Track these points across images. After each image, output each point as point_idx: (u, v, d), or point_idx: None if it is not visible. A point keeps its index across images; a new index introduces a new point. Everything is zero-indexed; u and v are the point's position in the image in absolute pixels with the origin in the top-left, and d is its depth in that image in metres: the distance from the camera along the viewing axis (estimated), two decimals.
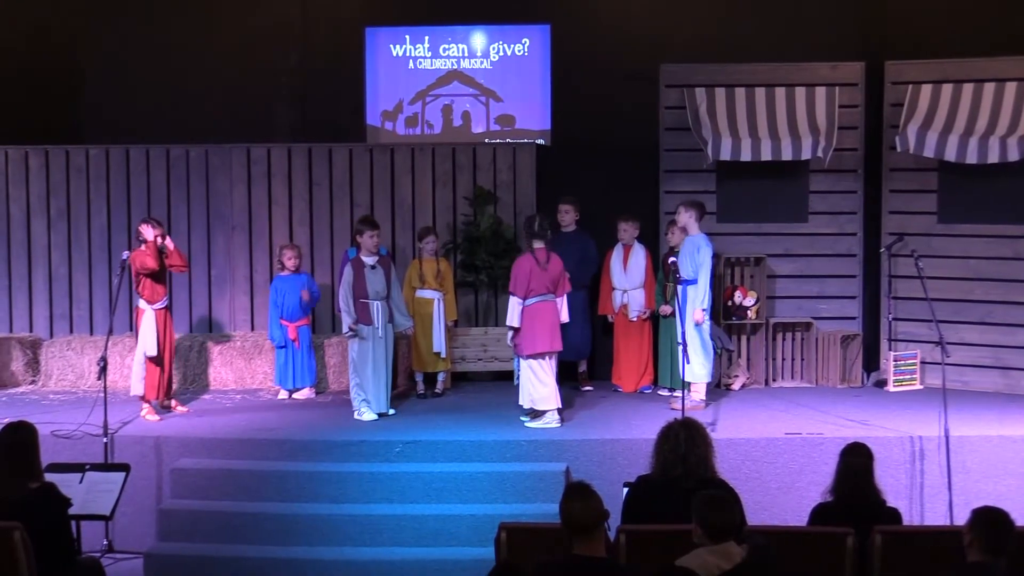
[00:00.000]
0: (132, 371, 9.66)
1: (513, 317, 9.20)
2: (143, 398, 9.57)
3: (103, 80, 12.30)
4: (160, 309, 9.64)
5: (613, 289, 10.78)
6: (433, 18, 12.14)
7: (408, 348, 10.64)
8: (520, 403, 9.32)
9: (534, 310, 9.18)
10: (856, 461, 6.23)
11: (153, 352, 9.56)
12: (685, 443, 6.05)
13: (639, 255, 10.72)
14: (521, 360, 9.27)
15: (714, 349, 9.88)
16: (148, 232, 9.58)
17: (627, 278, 10.70)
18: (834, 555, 5.84)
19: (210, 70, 12.10)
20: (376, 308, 9.52)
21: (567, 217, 10.75)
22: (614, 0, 11.93)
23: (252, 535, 8.16)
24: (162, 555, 8.07)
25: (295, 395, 10.45)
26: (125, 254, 9.58)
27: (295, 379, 10.46)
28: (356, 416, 9.51)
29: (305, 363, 10.51)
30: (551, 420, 9.20)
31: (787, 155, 10.72)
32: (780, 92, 11.01)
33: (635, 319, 10.67)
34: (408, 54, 12.24)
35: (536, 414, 9.27)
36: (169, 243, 9.67)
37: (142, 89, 12.11)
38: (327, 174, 11.40)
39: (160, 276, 9.65)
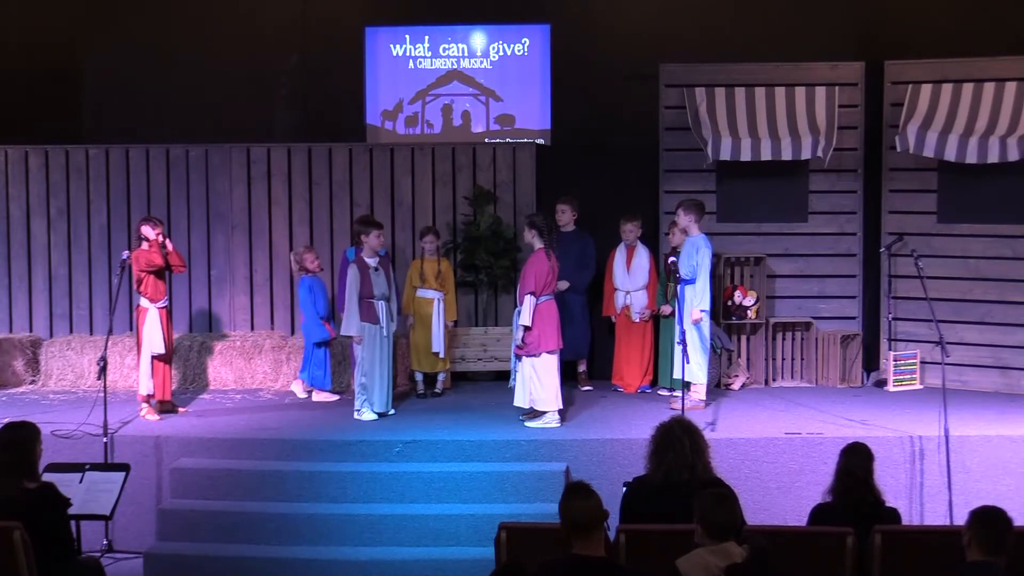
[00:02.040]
0: (140, 371, 9.62)
1: (528, 316, 9.15)
2: (149, 398, 9.56)
3: (103, 80, 12.31)
4: (163, 308, 9.65)
5: (615, 290, 10.77)
6: (433, 18, 12.15)
7: (407, 348, 10.64)
8: (517, 404, 9.30)
9: (543, 309, 9.19)
10: (856, 461, 6.23)
11: (161, 350, 9.56)
12: (691, 452, 6.06)
13: (642, 256, 10.71)
14: (525, 359, 9.26)
15: (713, 349, 9.87)
16: (150, 232, 9.58)
17: (630, 279, 10.69)
18: (834, 555, 5.84)
19: (210, 70, 12.10)
20: (381, 308, 9.54)
21: (564, 217, 10.74)
22: (614, 0, 11.93)
23: (252, 535, 8.16)
24: (162, 555, 8.07)
25: (314, 396, 10.41)
26: (125, 254, 9.57)
27: (327, 379, 10.44)
28: (356, 416, 9.50)
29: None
30: (551, 420, 9.20)
31: (787, 155, 10.72)
32: (780, 92, 11.01)
33: (638, 320, 10.66)
34: (408, 54, 12.24)
35: (536, 414, 9.27)
36: (168, 243, 9.68)
37: (142, 89, 12.11)
38: (327, 174, 11.40)
39: (162, 275, 9.66)
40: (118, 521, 8.26)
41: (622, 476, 7.98)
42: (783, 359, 11.14)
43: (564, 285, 10.27)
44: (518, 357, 9.28)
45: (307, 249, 10.61)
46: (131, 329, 10.84)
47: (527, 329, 9.15)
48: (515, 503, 8.34)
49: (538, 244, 9.27)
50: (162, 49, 12.13)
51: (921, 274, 9.52)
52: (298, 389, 10.48)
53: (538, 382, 9.18)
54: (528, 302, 9.14)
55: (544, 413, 9.22)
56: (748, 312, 10.91)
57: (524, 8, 12.04)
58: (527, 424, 9.23)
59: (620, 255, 10.74)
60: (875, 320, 11.17)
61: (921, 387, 10.62)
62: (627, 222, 10.69)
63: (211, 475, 8.58)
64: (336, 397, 10.36)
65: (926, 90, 10.71)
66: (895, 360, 10.65)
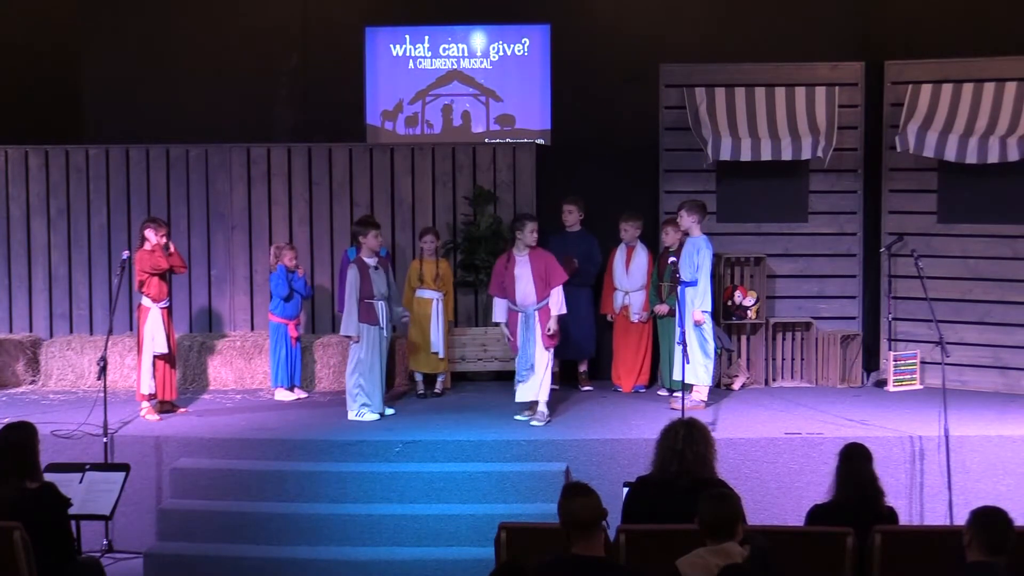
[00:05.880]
0: (140, 370, 9.61)
1: (564, 305, 9.32)
2: (151, 397, 9.55)
3: (103, 80, 12.30)
4: (165, 308, 9.65)
5: (615, 290, 10.78)
6: (433, 18, 12.14)
7: (407, 348, 10.64)
8: (538, 398, 9.33)
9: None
10: (862, 465, 6.19)
11: (164, 349, 9.55)
12: (683, 440, 6.07)
13: (641, 256, 10.71)
14: (545, 353, 9.29)
15: (715, 350, 9.87)
16: (152, 235, 9.58)
17: (629, 279, 10.69)
18: (834, 555, 5.84)
19: (210, 70, 12.10)
20: (381, 308, 9.53)
21: (571, 217, 10.76)
22: (614, 0, 11.93)
23: (252, 535, 8.16)
24: (162, 555, 8.07)
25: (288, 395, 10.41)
26: (125, 254, 9.57)
27: (292, 377, 10.43)
28: (353, 416, 9.47)
29: (299, 362, 10.52)
30: (546, 411, 9.33)
31: (787, 155, 10.71)
32: (780, 92, 11.01)
33: (636, 321, 10.66)
34: (408, 54, 12.24)
35: (533, 409, 9.32)
36: (171, 245, 9.70)
37: (142, 89, 12.11)
38: (327, 174, 11.40)
39: (165, 276, 9.67)
40: (118, 521, 8.27)
41: (622, 476, 7.99)
42: (783, 359, 11.14)
43: (572, 264, 10.48)
44: (547, 348, 9.32)
45: (289, 246, 10.57)
46: (131, 329, 10.84)
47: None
48: (515, 503, 8.35)
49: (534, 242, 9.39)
50: (162, 49, 12.13)
51: (921, 274, 9.52)
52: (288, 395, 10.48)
53: (548, 375, 9.30)
54: (561, 292, 9.27)
55: (538, 406, 9.33)
56: (748, 312, 10.90)
57: (524, 8, 12.04)
58: (532, 423, 9.26)
59: (620, 255, 10.75)
60: (875, 320, 11.17)
61: (921, 387, 10.61)
62: (626, 222, 10.69)
63: (211, 475, 8.59)
64: (292, 396, 10.35)
65: (926, 90, 10.70)
66: (895, 360, 10.64)
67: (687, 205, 9.87)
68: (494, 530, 6.10)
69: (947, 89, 10.64)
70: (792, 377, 11.10)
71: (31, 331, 11.37)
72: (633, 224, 10.70)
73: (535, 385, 9.31)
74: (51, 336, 11.29)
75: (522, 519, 7.50)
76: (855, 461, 6.23)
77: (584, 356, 10.90)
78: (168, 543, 8.23)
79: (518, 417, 9.42)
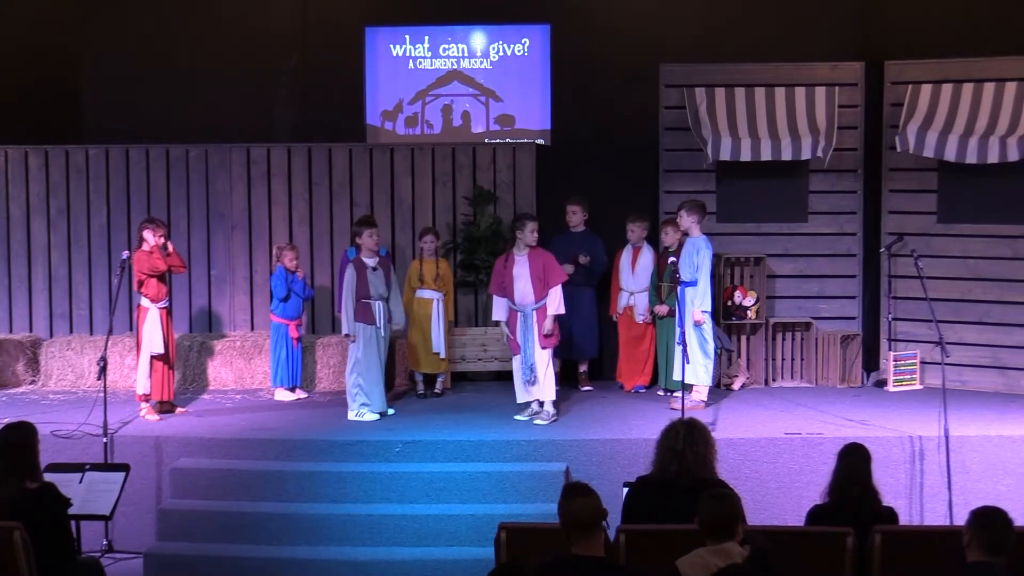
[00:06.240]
0: (138, 370, 9.63)
1: (563, 305, 9.35)
2: (148, 397, 9.56)
3: (103, 80, 12.31)
4: (163, 308, 9.66)
5: (620, 290, 10.78)
6: (433, 18, 12.15)
7: (407, 348, 10.64)
8: (542, 399, 9.34)
9: None
10: (855, 464, 6.22)
11: (160, 349, 9.56)
12: (684, 440, 6.08)
13: (647, 257, 10.70)
14: (544, 352, 9.30)
15: (715, 350, 9.87)
16: (150, 236, 9.58)
17: (634, 280, 10.69)
18: (834, 555, 5.84)
19: (210, 70, 12.11)
20: (378, 308, 9.53)
21: (575, 217, 10.77)
22: (614, 0, 11.94)
23: (252, 535, 8.17)
24: (162, 555, 8.07)
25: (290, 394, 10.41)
26: (125, 254, 9.58)
27: (293, 378, 10.43)
28: (353, 416, 9.48)
29: (299, 362, 10.53)
30: (552, 410, 9.32)
31: (787, 155, 10.71)
32: (780, 92, 11.01)
33: (641, 321, 10.66)
34: (408, 54, 12.24)
35: (536, 410, 9.33)
36: (170, 245, 9.70)
37: (142, 89, 12.12)
38: (327, 174, 11.40)
39: (164, 277, 9.67)
40: (118, 521, 8.27)
41: (622, 476, 7.99)
42: (783, 359, 11.13)
43: (585, 259, 10.52)
44: (543, 348, 9.33)
45: (290, 247, 10.57)
46: (131, 329, 10.84)
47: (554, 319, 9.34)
48: (515, 503, 8.35)
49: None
50: (162, 49, 12.14)
51: (921, 274, 9.52)
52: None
53: (551, 373, 9.30)
54: (560, 292, 9.27)
55: (543, 405, 9.32)
56: (748, 312, 10.90)
57: (524, 8, 12.04)
58: (537, 422, 9.27)
59: (626, 256, 10.75)
60: (875, 320, 11.17)
61: (921, 387, 10.61)
62: (633, 222, 10.69)
63: (211, 475, 8.59)
64: (292, 396, 10.36)
65: (926, 90, 10.70)
66: (895, 360, 10.64)
67: (687, 205, 9.87)
68: (494, 530, 6.10)
69: (947, 89, 10.64)
70: (792, 377, 11.10)
71: (31, 331, 11.36)
72: (640, 225, 10.69)
73: (540, 385, 9.33)
74: (51, 336, 11.29)
75: (522, 519, 7.50)
76: (853, 460, 6.25)
77: (586, 356, 10.90)
78: (168, 543, 8.23)
79: (518, 417, 9.43)
